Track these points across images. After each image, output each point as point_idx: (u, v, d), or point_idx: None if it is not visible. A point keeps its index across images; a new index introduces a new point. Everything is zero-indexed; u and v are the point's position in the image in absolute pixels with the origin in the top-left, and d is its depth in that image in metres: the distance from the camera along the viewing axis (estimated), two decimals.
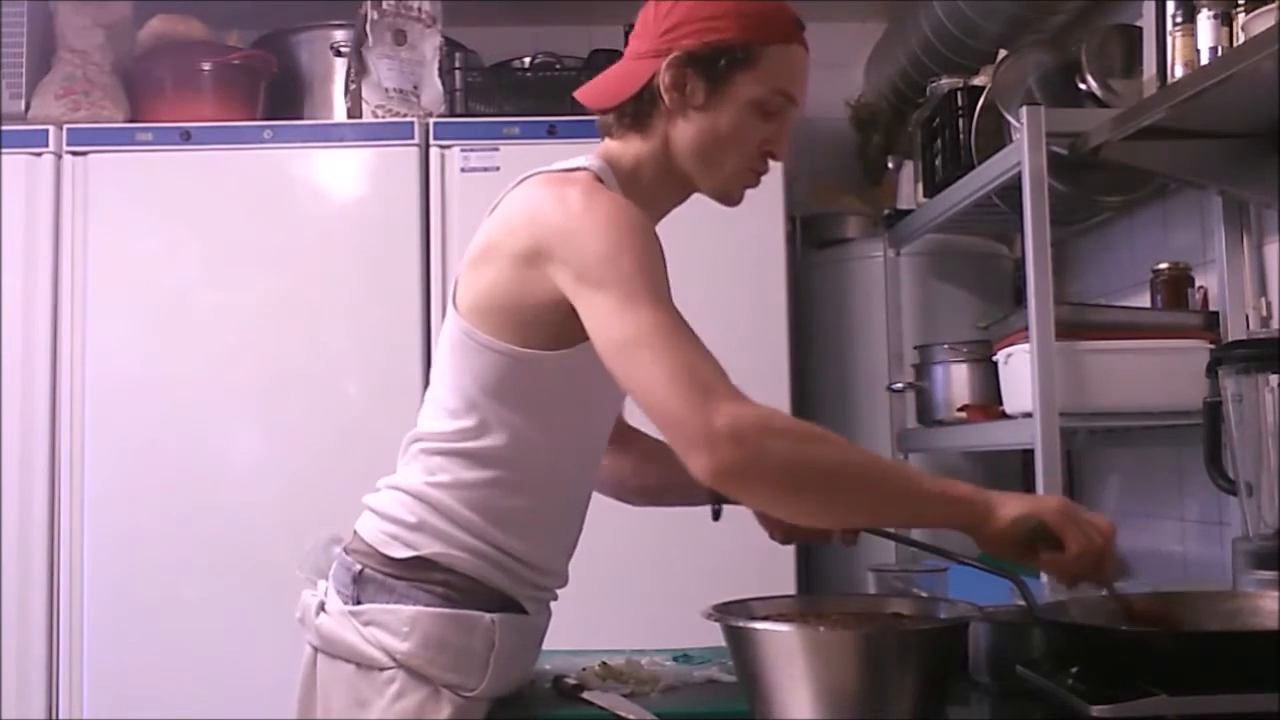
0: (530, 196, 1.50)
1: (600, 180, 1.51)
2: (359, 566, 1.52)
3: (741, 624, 1.40)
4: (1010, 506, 1.35)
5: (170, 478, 2.89)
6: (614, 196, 1.47)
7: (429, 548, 1.49)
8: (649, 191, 1.56)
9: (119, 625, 2.85)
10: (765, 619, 1.45)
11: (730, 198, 1.60)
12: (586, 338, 1.42)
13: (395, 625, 1.48)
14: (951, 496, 1.36)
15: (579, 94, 1.61)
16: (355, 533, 1.57)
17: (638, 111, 1.54)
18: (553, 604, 1.63)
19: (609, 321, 1.38)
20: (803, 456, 1.32)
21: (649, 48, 1.52)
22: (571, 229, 1.42)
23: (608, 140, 1.59)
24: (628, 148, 1.56)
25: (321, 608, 1.54)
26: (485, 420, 1.50)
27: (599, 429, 1.63)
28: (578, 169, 1.53)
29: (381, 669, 1.47)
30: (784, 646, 1.35)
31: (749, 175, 1.58)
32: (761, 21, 1.51)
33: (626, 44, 1.59)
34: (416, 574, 1.50)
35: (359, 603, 1.51)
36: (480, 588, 1.50)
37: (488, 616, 1.49)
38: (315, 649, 1.55)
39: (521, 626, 1.53)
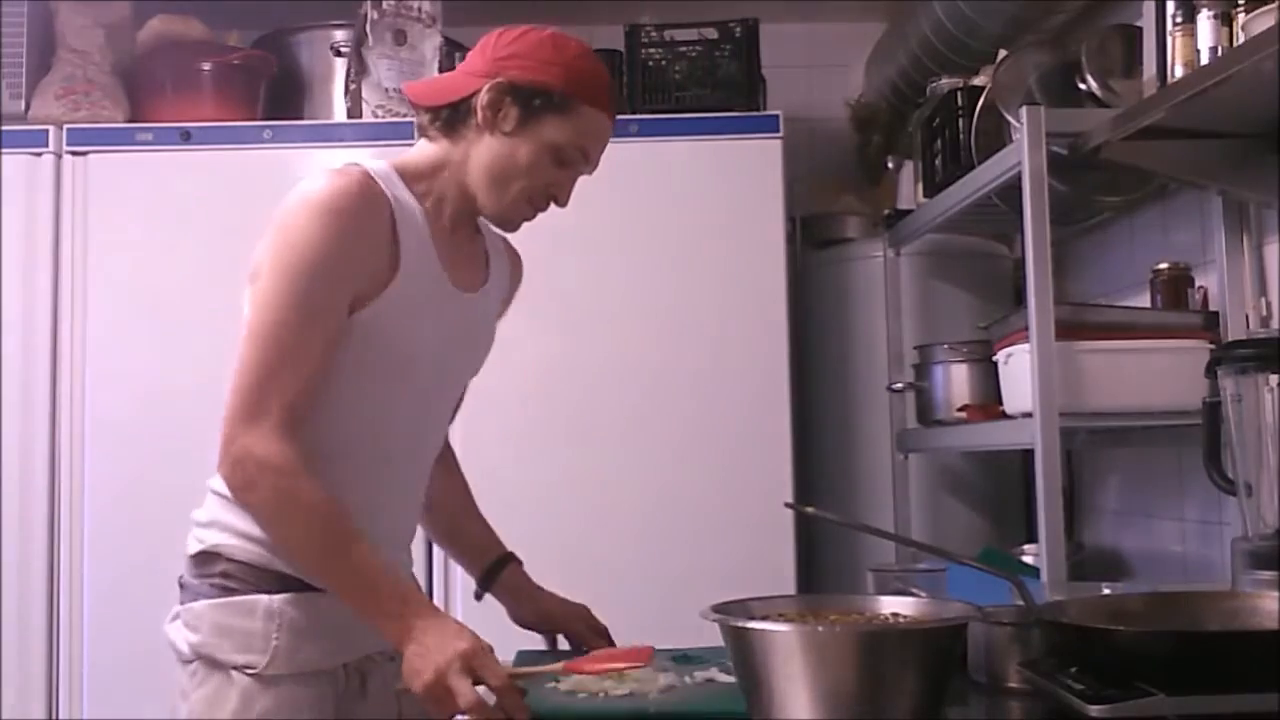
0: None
1: (371, 177, 1.59)
2: (180, 575, 1.66)
3: (741, 624, 1.40)
4: (412, 655, 1.45)
5: (170, 478, 2.87)
6: (337, 188, 1.55)
7: (212, 539, 1.61)
8: (441, 195, 1.67)
9: (119, 625, 2.85)
10: (765, 619, 1.45)
11: (507, 224, 1.72)
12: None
13: (191, 621, 1.61)
14: (373, 611, 1.50)
15: (407, 87, 1.76)
16: None
17: (452, 119, 1.66)
18: None
19: (252, 302, 1.57)
20: (265, 515, 1.53)
21: (482, 67, 1.65)
22: (276, 226, 1.57)
23: (419, 141, 1.71)
24: (435, 148, 1.68)
25: (174, 617, 1.66)
26: None
27: (383, 405, 1.65)
28: (345, 164, 1.62)
29: (189, 661, 1.61)
30: (783, 646, 1.35)
31: (527, 208, 1.69)
32: (584, 82, 1.65)
33: (465, 59, 1.73)
34: (203, 569, 1.62)
35: (181, 605, 1.64)
36: (259, 573, 1.59)
37: (265, 598, 1.58)
38: None
39: (316, 605, 1.58)
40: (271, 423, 1.50)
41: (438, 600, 2.71)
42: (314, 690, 1.59)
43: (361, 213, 1.57)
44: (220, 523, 1.61)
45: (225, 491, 1.58)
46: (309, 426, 1.55)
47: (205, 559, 1.62)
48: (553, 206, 1.72)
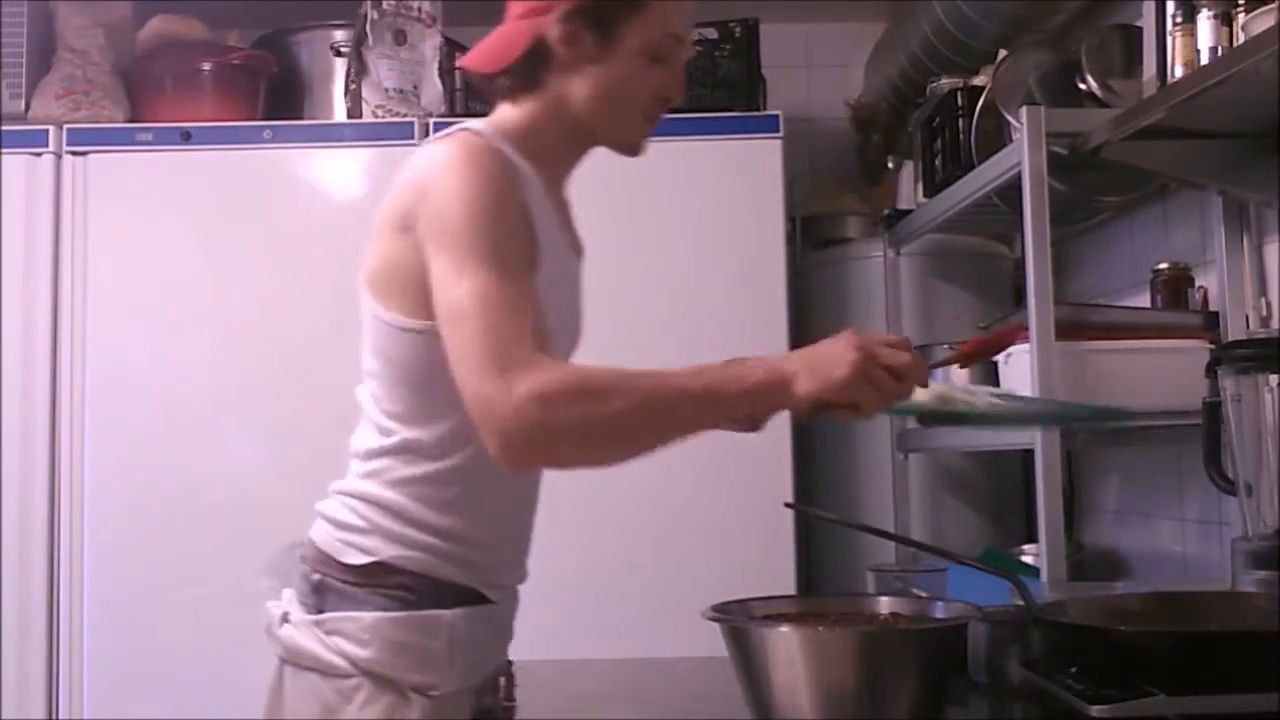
0: (409, 162, 1.50)
1: (475, 134, 1.48)
2: (317, 575, 1.51)
3: (741, 624, 1.40)
4: (802, 385, 1.37)
5: (170, 477, 2.89)
6: (475, 150, 1.44)
7: (384, 551, 1.48)
8: (548, 150, 1.55)
9: (119, 624, 2.85)
10: (765, 619, 1.45)
11: (634, 148, 1.59)
12: None
13: (356, 633, 1.47)
14: (751, 391, 1.39)
15: (465, 61, 1.60)
16: (310, 541, 1.56)
17: (530, 70, 1.52)
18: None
19: (439, 289, 1.40)
20: (592, 421, 1.35)
21: (533, 5, 1.52)
22: (426, 188, 1.43)
23: (499, 106, 1.57)
24: (520, 109, 1.55)
25: (285, 618, 1.53)
26: (420, 410, 1.49)
27: None
28: (459, 129, 1.50)
29: (346, 676, 1.46)
30: (784, 646, 1.35)
31: (647, 124, 1.57)
32: None
33: (507, 10, 1.57)
34: (374, 579, 1.48)
35: (320, 611, 1.50)
36: (437, 585, 1.49)
37: (447, 614, 1.48)
38: (281, 660, 1.54)
39: (484, 617, 1.53)
40: (522, 362, 1.33)
41: None
42: (466, 705, 1.51)
43: (502, 174, 1.44)
44: (384, 530, 1.49)
45: (376, 495, 1.50)
46: (457, 415, 1.43)
47: (375, 570, 1.48)
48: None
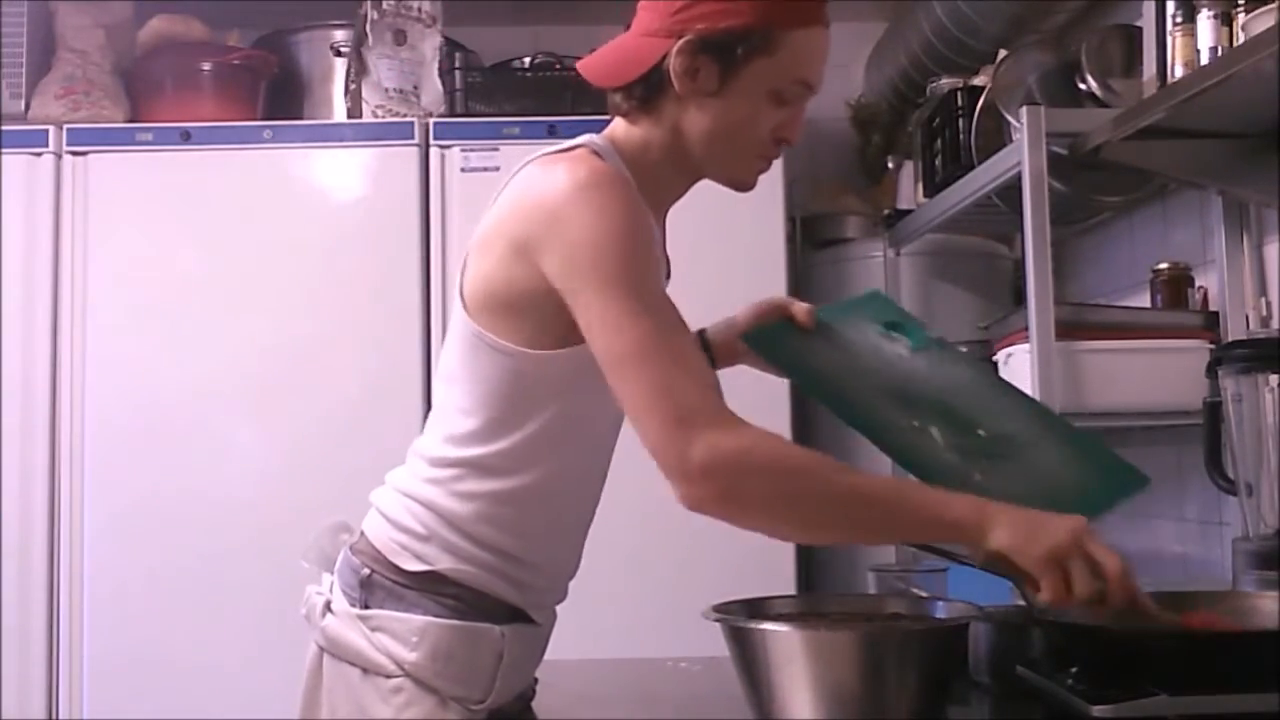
0: (525, 179, 1.45)
1: (598, 156, 1.44)
2: (367, 570, 1.49)
3: (742, 624, 1.41)
4: (999, 537, 1.29)
5: (170, 477, 2.89)
6: (606, 177, 1.39)
7: (441, 562, 1.46)
8: (657, 175, 1.50)
9: (119, 624, 2.85)
10: (765, 619, 1.45)
11: (743, 185, 1.54)
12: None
13: (404, 634, 1.45)
14: (944, 521, 1.32)
15: (581, 66, 1.54)
16: (362, 533, 1.54)
17: (646, 94, 1.46)
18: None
19: (597, 331, 1.36)
20: (781, 492, 1.32)
21: (660, 26, 1.44)
22: (558, 216, 1.37)
23: (616, 119, 1.52)
24: (635, 129, 1.50)
25: (328, 607, 1.51)
26: (496, 427, 1.46)
27: (608, 427, 1.57)
28: (576, 146, 1.46)
29: (388, 676, 1.45)
30: (784, 646, 1.36)
31: (761, 163, 1.51)
32: (783, 4, 1.42)
33: (636, 17, 1.51)
34: (427, 585, 1.47)
35: (367, 607, 1.48)
36: (489, 601, 1.47)
37: (497, 629, 1.46)
38: (321, 649, 1.52)
39: (529, 637, 1.52)
40: (707, 420, 1.30)
41: None
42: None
43: (636, 206, 1.40)
44: (442, 540, 1.47)
45: (439, 505, 1.47)
46: (526, 435, 1.45)
47: (429, 578, 1.46)
48: None
